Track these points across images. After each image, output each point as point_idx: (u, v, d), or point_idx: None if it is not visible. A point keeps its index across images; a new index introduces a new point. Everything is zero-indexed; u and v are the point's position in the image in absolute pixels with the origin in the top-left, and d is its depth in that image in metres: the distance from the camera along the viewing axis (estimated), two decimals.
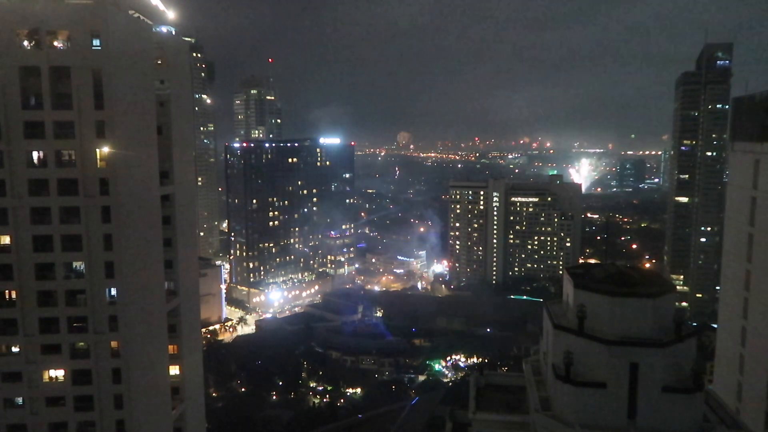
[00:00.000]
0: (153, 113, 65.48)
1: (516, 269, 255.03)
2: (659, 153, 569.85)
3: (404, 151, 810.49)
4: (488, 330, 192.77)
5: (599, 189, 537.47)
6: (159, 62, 68.51)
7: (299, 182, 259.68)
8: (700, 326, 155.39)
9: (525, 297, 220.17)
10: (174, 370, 71.94)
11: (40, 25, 55.59)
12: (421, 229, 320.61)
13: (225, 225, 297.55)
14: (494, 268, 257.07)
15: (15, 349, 59.85)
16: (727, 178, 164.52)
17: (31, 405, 60.44)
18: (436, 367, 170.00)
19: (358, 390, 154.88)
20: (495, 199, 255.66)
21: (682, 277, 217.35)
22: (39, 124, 56.91)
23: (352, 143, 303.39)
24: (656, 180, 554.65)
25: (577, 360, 24.76)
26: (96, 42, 56.40)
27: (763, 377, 49.54)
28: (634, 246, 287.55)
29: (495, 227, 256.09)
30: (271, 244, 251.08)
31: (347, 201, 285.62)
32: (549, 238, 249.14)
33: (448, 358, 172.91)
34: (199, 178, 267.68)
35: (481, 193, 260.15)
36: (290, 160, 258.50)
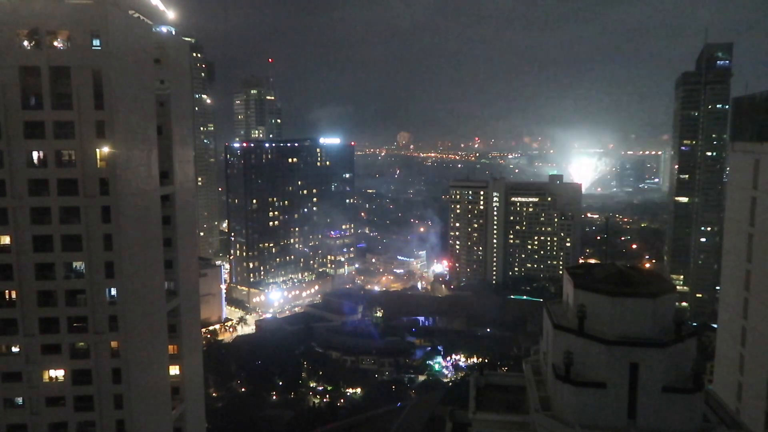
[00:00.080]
0: (153, 113, 65.61)
1: (516, 269, 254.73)
2: (659, 153, 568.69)
3: (404, 151, 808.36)
4: (488, 330, 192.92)
5: (599, 189, 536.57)
6: (159, 62, 68.54)
7: (299, 182, 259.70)
8: (700, 326, 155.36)
9: (525, 297, 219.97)
10: (174, 370, 72.15)
11: (40, 25, 55.58)
12: (421, 229, 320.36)
13: (225, 225, 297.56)
14: (494, 268, 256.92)
15: (15, 349, 59.81)
16: (727, 178, 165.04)
17: (31, 405, 60.40)
18: (436, 367, 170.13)
19: (358, 390, 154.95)
20: (495, 199, 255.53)
21: (682, 277, 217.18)
22: (39, 124, 56.91)
23: (352, 143, 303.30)
24: (656, 180, 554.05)
25: (577, 360, 24.77)
26: (96, 42, 56.37)
27: (763, 377, 49.52)
28: (634, 246, 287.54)
29: (495, 227, 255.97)
30: (271, 244, 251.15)
31: (347, 201, 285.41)
32: (549, 238, 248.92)
33: (448, 358, 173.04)
34: (199, 178, 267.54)
35: (481, 193, 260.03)
36: (290, 160, 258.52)
